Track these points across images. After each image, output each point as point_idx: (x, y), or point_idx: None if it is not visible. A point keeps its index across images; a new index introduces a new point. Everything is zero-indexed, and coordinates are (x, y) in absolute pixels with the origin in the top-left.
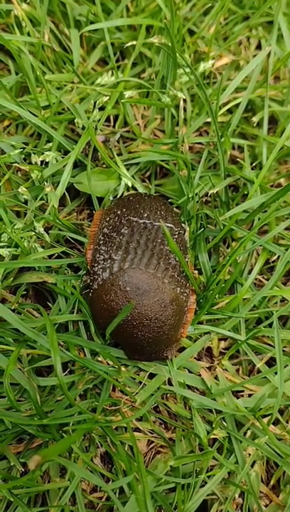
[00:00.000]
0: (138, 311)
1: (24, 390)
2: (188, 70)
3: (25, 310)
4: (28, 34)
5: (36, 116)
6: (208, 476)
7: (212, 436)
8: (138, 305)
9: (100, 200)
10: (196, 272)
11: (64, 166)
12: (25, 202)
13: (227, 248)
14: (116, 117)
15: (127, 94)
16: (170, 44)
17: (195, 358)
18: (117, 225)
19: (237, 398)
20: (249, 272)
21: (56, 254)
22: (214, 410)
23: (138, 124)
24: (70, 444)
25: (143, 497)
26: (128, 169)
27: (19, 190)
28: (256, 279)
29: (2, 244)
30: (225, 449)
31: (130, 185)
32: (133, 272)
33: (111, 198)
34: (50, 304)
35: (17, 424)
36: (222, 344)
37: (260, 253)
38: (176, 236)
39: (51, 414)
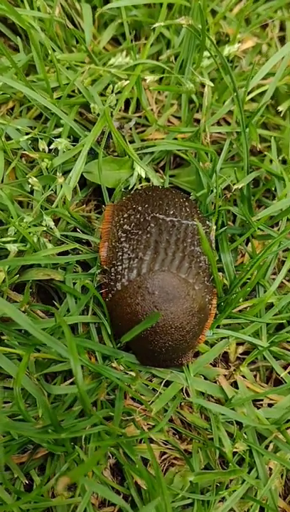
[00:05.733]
0: (164, 319)
1: (29, 395)
2: (212, 53)
3: (30, 310)
4: (38, 9)
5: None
6: None
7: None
8: (164, 312)
9: (110, 191)
10: (220, 273)
11: (74, 155)
12: (31, 192)
13: (246, 245)
14: (127, 101)
15: (148, 78)
16: (200, 26)
17: (210, 363)
18: (141, 222)
19: (256, 407)
20: (272, 274)
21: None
22: (234, 422)
23: (151, 110)
24: (95, 463)
25: None
26: (141, 158)
27: (29, 180)
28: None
29: (9, 238)
30: (246, 463)
31: (144, 176)
32: (164, 275)
33: (122, 190)
34: (56, 304)
35: (29, 437)
36: (239, 349)
37: (287, 255)
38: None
39: (62, 423)
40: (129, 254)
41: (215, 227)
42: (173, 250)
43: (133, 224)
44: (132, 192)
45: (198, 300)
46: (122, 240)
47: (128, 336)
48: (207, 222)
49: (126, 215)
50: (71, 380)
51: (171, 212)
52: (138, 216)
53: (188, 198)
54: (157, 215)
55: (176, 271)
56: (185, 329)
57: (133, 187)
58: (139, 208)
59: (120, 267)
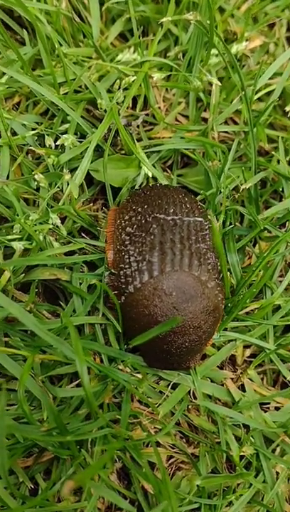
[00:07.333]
0: (184, 318)
1: (34, 398)
2: (220, 50)
3: (36, 310)
4: (45, 2)
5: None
6: None
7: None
8: (183, 312)
9: (118, 190)
10: (228, 273)
11: (81, 152)
12: (37, 189)
13: (254, 247)
14: (135, 99)
15: (156, 76)
16: (208, 22)
17: (217, 366)
18: (143, 224)
19: (263, 410)
20: (279, 276)
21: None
22: (242, 425)
23: (159, 108)
24: (102, 467)
25: None
26: (148, 157)
27: (35, 177)
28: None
29: (14, 236)
30: (254, 467)
31: (150, 175)
32: (178, 275)
33: (130, 189)
34: (62, 304)
35: (34, 440)
36: (247, 352)
37: None
38: (207, 231)
39: (68, 426)
40: (135, 257)
41: (216, 220)
42: (179, 249)
43: (135, 226)
44: (131, 193)
45: (212, 298)
46: (126, 242)
47: (142, 338)
48: (209, 216)
49: (127, 217)
50: (77, 382)
51: (171, 210)
52: (139, 218)
53: (186, 193)
54: (157, 215)
55: (188, 269)
56: (203, 329)
57: (140, 186)
58: (139, 209)
59: (129, 270)
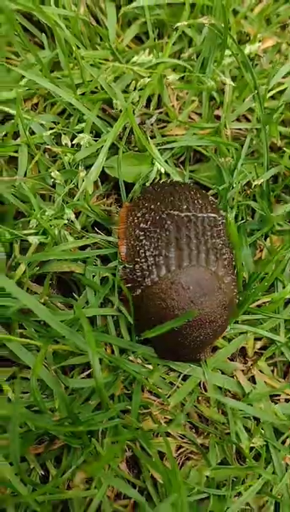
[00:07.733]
0: (201, 312)
1: (47, 387)
2: (233, 51)
3: (50, 302)
4: (64, 7)
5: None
6: None
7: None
8: (201, 305)
9: (130, 185)
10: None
11: (96, 150)
12: (53, 185)
13: (265, 240)
14: (148, 97)
15: (171, 77)
16: (222, 24)
17: (227, 358)
18: (157, 220)
19: (273, 402)
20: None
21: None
22: (252, 417)
23: (172, 106)
24: (112, 458)
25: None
26: (161, 154)
27: (52, 174)
28: None
29: (31, 231)
30: (263, 458)
31: (163, 171)
32: (195, 270)
33: (143, 185)
34: (76, 296)
35: (46, 429)
36: (257, 344)
37: None
38: (221, 227)
39: (79, 416)
40: (151, 252)
41: (228, 215)
42: (195, 244)
43: (149, 222)
44: (142, 190)
45: (229, 293)
46: (141, 238)
47: (159, 330)
48: (222, 212)
49: (139, 214)
50: (88, 373)
51: (185, 207)
52: (152, 214)
53: (197, 189)
54: (171, 211)
55: (205, 264)
56: (218, 323)
57: (153, 182)
58: (152, 206)
59: (145, 264)
